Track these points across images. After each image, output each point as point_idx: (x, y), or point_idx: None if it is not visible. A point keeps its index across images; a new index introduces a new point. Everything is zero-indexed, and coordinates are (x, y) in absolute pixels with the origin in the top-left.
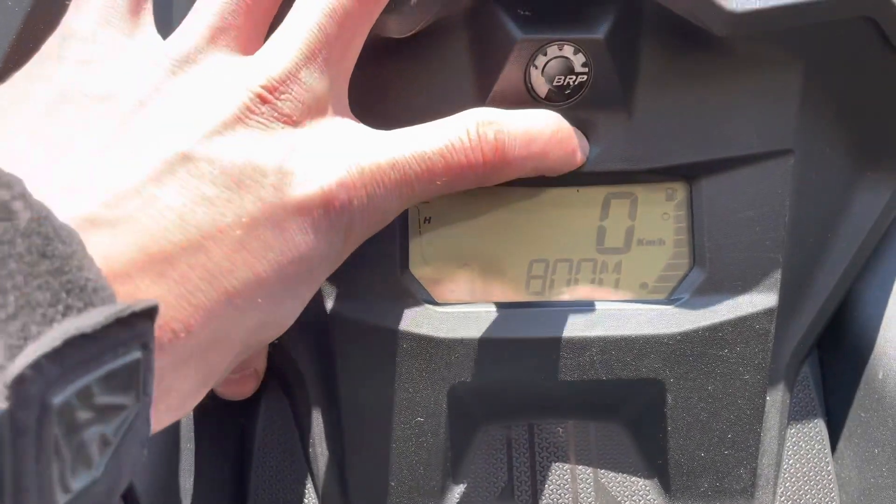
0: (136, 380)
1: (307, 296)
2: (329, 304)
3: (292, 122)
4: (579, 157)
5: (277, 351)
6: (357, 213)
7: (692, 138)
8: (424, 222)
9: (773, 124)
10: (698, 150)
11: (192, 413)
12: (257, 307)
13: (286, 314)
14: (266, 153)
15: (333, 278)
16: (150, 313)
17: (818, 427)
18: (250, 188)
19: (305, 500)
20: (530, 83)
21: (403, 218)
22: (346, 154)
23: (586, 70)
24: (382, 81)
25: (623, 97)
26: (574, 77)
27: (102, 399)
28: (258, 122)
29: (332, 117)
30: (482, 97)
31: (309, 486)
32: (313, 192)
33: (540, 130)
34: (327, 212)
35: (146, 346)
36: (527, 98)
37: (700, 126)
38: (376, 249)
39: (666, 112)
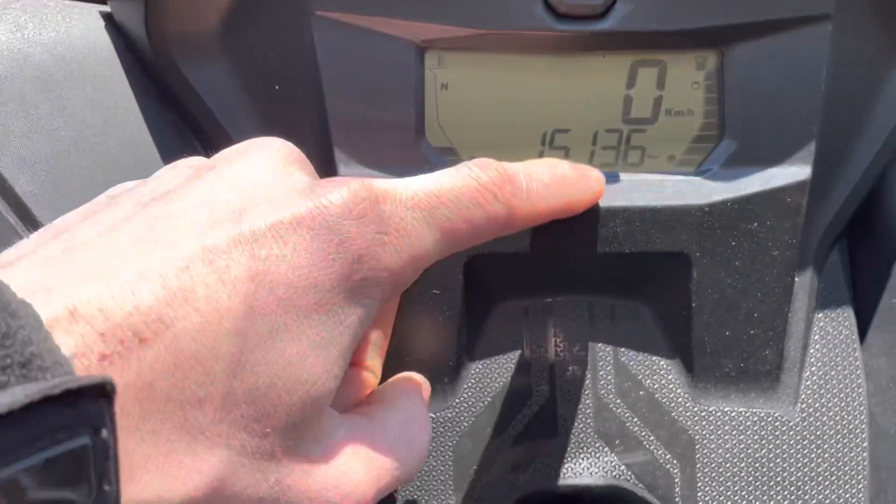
0: (85, 471)
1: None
2: (341, 171)
3: None
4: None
5: None
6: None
7: None
8: (441, 89)
9: None
10: (732, 10)
11: None
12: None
13: None
14: None
15: (347, 145)
16: (99, 391)
17: (846, 313)
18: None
19: None
20: None
21: (419, 84)
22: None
23: None
24: None
25: None
26: None
27: (39, 494)
28: None
29: None
30: None
31: None
32: None
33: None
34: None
35: (97, 431)
36: None
37: None
38: (391, 116)
39: None
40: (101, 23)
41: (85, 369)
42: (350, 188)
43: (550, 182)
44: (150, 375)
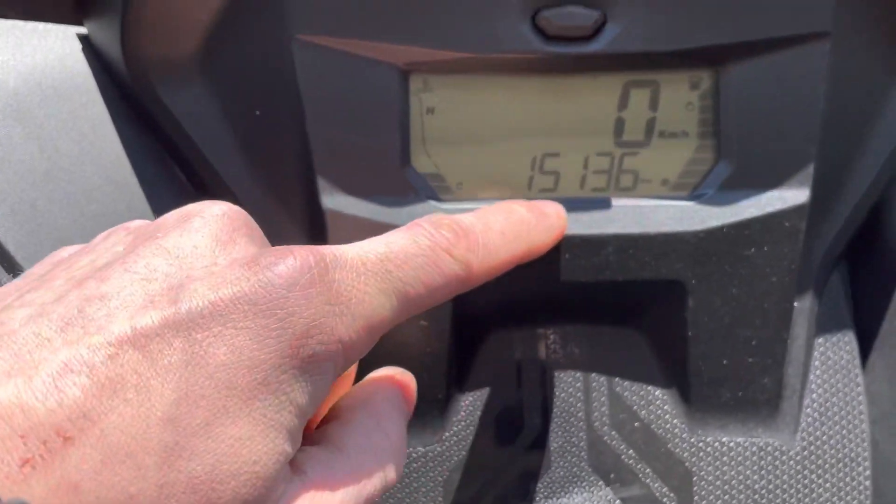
0: None
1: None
2: (325, 201)
3: None
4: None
5: None
6: None
7: (720, 16)
8: (427, 113)
9: (808, 3)
10: (727, 30)
11: None
12: None
13: None
14: None
15: (330, 172)
16: None
17: (847, 337)
18: None
19: None
20: None
21: (404, 108)
22: None
23: None
24: None
25: None
26: None
27: None
28: None
29: None
30: None
31: None
32: None
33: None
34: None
35: None
36: None
37: (728, 4)
38: (375, 141)
39: None
40: (78, 45)
41: (5, 477)
42: (296, 257)
43: (507, 230)
44: (76, 476)
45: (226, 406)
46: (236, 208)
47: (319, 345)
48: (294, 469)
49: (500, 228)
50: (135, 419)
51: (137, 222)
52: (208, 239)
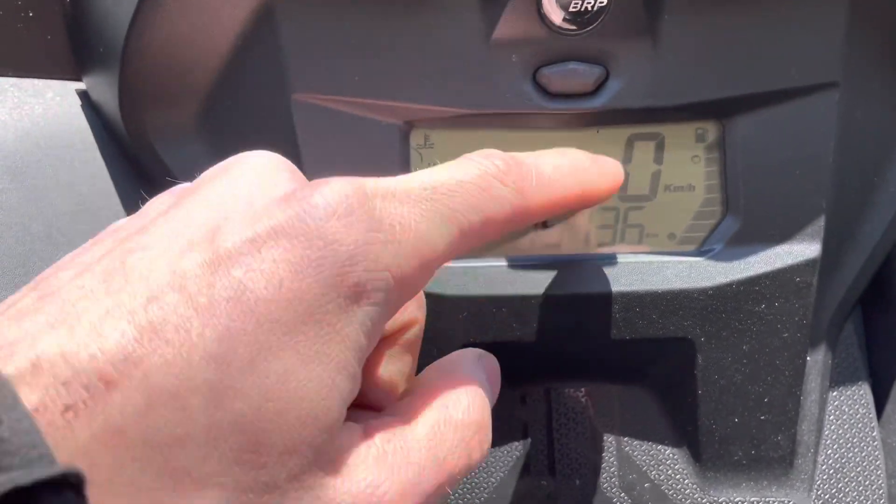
0: None
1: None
2: None
3: None
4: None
5: None
6: None
7: (725, 70)
8: (427, 167)
9: (817, 54)
10: (732, 83)
11: None
12: None
13: None
14: None
15: None
16: (67, 484)
17: (863, 389)
18: None
19: None
20: (543, 11)
21: (405, 166)
22: None
23: None
24: (377, 25)
25: (648, 23)
26: (592, 2)
27: None
28: None
29: None
30: (489, 31)
31: None
32: None
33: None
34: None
35: None
36: (540, 28)
37: (734, 56)
38: None
39: (696, 40)
40: (78, 101)
41: (48, 425)
42: (333, 187)
43: (561, 165)
44: (120, 420)
45: (268, 341)
46: (276, 155)
47: (365, 272)
48: (365, 435)
49: (553, 163)
50: (176, 358)
51: (181, 185)
52: (247, 183)
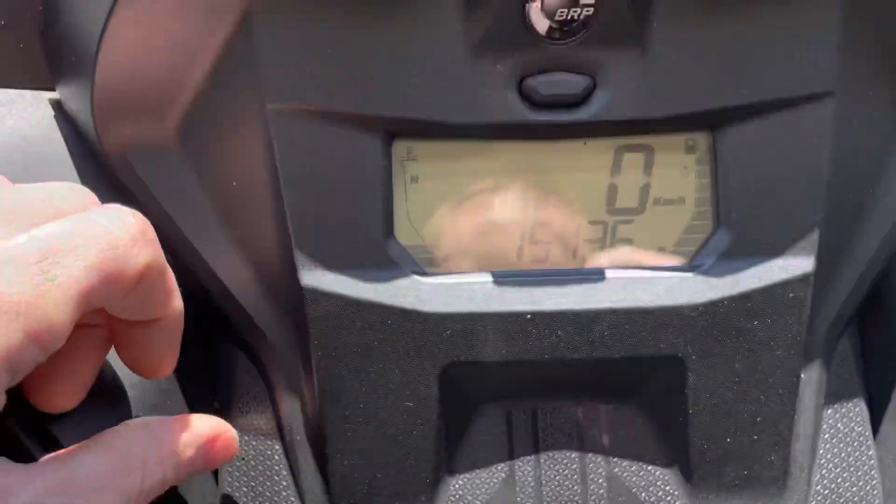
0: None
1: None
2: (303, 277)
3: None
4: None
5: (250, 328)
6: None
7: (716, 80)
8: (411, 182)
9: (811, 62)
10: (723, 94)
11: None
12: None
13: None
14: None
15: (308, 248)
16: None
17: (858, 407)
18: None
19: (284, 496)
20: (529, 20)
21: (387, 178)
22: None
23: (593, 1)
24: (360, 31)
25: (636, 32)
26: (579, 10)
27: None
28: None
29: None
30: (473, 39)
31: (288, 479)
32: None
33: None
34: None
35: None
36: (525, 37)
37: (725, 65)
38: (355, 213)
39: (686, 50)
40: (51, 112)
41: None
42: None
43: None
44: None
45: None
46: None
47: None
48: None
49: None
50: None
51: None
52: None
